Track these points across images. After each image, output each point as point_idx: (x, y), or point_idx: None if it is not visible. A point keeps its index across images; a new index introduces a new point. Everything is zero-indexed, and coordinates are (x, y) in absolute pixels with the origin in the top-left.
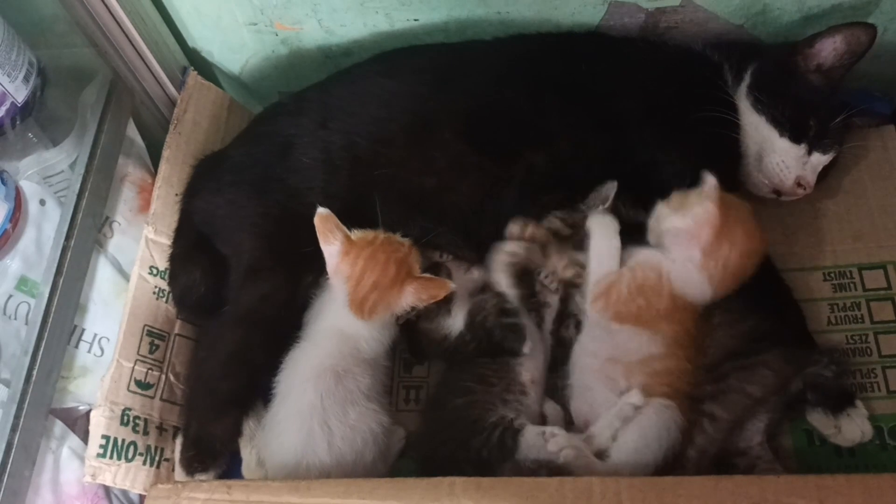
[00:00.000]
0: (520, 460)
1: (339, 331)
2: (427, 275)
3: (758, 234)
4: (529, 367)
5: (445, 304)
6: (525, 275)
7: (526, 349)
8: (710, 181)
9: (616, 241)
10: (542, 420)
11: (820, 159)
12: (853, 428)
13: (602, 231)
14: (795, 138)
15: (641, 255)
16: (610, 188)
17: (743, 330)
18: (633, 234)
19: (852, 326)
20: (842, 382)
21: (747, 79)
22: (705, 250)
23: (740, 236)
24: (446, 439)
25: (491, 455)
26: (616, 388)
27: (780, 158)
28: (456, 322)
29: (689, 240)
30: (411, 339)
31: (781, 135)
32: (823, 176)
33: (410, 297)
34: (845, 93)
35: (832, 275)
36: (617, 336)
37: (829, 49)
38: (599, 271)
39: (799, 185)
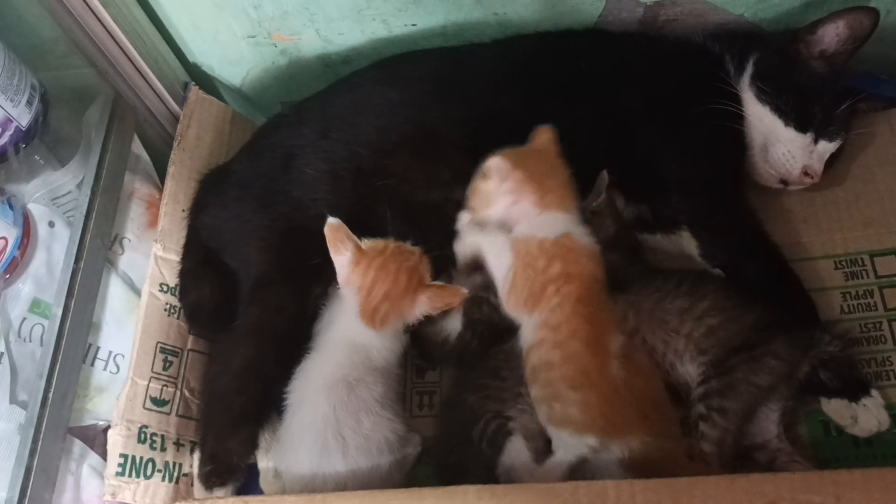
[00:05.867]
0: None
1: (351, 341)
2: (439, 282)
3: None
4: None
5: None
6: None
7: None
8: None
9: (501, 238)
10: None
11: (826, 147)
12: (870, 418)
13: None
14: (801, 127)
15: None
16: (601, 181)
17: (748, 322)
18: (636, 228)
19: (866, 314)
20: (850, 357)
21: (750, 69)
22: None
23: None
24: (461, 441)
25: (488, 447)
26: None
27: (786, 148)
28: (453, 323)
29: (513, 197)
30: (420, 344)
31: (786, 124)
32: (831, 163)
33: (424, 306)
34: (850, 77)
35: (843, 263)
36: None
37: (832, 35)
38: (502, 267)
39: (806, 174)
